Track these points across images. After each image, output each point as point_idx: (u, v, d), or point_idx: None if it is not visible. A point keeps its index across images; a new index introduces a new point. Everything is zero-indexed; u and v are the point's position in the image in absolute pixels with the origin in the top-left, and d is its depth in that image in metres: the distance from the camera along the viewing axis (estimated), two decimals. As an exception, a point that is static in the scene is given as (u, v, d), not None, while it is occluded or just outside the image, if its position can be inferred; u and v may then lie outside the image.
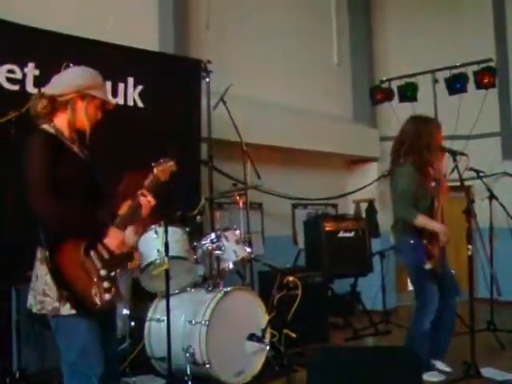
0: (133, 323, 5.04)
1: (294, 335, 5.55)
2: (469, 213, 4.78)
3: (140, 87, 6.28)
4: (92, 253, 3.02)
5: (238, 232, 5.50)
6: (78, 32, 5.80)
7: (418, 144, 4.97)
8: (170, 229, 4.68)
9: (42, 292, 2.98)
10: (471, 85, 8.24)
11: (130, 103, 6.23)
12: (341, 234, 7.57)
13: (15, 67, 5.34)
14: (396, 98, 8.78)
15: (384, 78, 8.94)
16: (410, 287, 5.14)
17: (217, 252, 5.16)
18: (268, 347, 5.20)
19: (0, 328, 4.77)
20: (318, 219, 7.74)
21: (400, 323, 7.18)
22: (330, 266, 7.30)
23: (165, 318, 4.65)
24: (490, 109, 8.81)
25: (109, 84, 6.03)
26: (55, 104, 3.13)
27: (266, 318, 5.22)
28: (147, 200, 3.27)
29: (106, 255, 3.05)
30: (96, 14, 6.30)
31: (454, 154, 5.02)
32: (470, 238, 4.83)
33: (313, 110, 8.76)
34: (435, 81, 8.18)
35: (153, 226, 4.94)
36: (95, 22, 6.21)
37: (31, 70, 5.42)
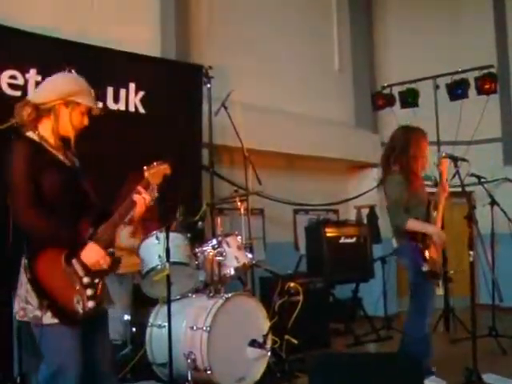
0: (134, 329, 5.03)
1: (295, 341, 5.54)
2: (470, 219, 4.78)
3: (141, 93, 6.29)
4: (74, 261, 3.00)
5: (239, 238, 5.49)
6: (80, 38, 5.82)
7: (404, 153, 5.02)
8: (171, 234, 4.68)
9: (24, 299, 2.99)
10: (472, 91, 8.25)
11: (132, 109, 6.24)
12: (342, 240, 7.57)
13: (17, 73, 5.35)
14: (397, 103, 8.80)
15: (385, 84, 8.96)
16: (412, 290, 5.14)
17: (218, 258, 5.15)
18: (269, 353, 5.18)
19: (1, 334, 4.77)
20: (319, 225, 7.73)
21: (402, 329, 7.14)
22: (332, 272, 7.29)
23: (166, 323, 4.64)
24: (491, 115, 8.82)
25: (110, 90, 6.06)
26: (39, 111, 3.12)
27: (268, 324, 5.21)
28: (142, 197, 3.24)
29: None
30: (98, 21, 6.31)
31: (455, 159, 5.03)
32: (472, 243, 4.82)
33: (314, 116, 8.77)
34: (436, 87, 8.20)
35: (154, 232, 4.93)
36: (97, 28, 6.22)
37: (33, 76, 5.43)
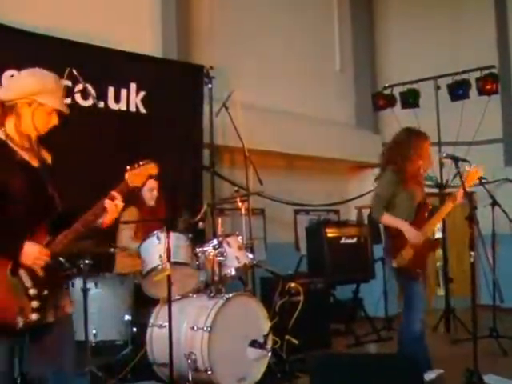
0: (135, 329, 5.03)
1: (295, 342, 5.54)
2: (471, 219, 4.78)
3: (143, 93, 6.30)
4: (22, 271, 2.87)
5: (240, 238, 5.49)
6: (81, 38, 5.82)
7: (400, 154, 5.06)
8: (172, 234, 4.68)
9: None
10: (473, 91, 8.25)
11: (133, 109, 6.25)
12: (343, 241, 7.56)
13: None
14: (398, 104, 8.80)
15: (386, 85, 8.96)
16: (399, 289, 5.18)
17: (219, 258, 5.15)
18: (270, 354, 5.18)
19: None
20: (320, 225, 7.72)
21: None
22: (332, 272, 7.28)
23: (167, 323, 4.64)
24: (492, 115, 8.81)
25: (111, 90, 6.07)
26: (5, 108, 3.03)
27: (268, 324, 5.21)
28: (114, 204, 3.05)
29: (39, 273, 2.90)
30: (99, 21, 6.32)
31: (456, 160, 5.03)
32: (473, 244, 4.82)
33: (315, 116, 8.77)
34: (437, 87, 8.19)
35: (155, 232, 4.93)
36: (98, 28, 6.22)
37: (34, 76, 5.42)
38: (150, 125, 6.31)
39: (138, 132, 6.18)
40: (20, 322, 2.84)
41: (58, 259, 3.02)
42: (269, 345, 5.15)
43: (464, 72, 8.23)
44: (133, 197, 5.53)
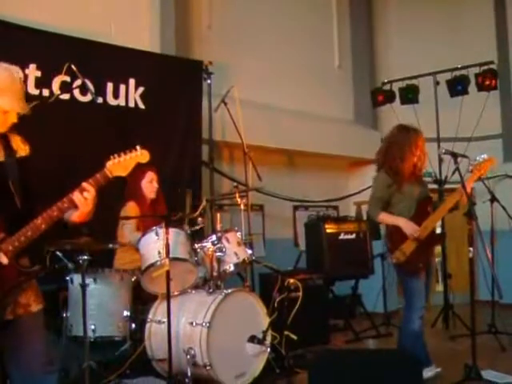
0: (133, 325, 5.02)
1: (294, 337, 5.54)
2: (470, 215, 4.78)
3: (141, 89, 6.29)
4: None
5: (238, 234, 5.49)
6: (79, 33, 5.81)
7: (393, 152, 5.08)
8: (170, 230, 4.68)
9: None
10: (473, 87, 8.26)
11: (132, 105, 6.24)
12: (342, 236, 7.56)
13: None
14: (397, 99, 8.80)
15: (385, 80, 8.95)
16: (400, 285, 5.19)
17: (218, 254, 5.15)
18: (269, 349, 5.19)
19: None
20: (319, 221, 7.72)
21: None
22: (331, 268, 7.29)
23: (165, 319, 4.65)
24: (491, 111, 8.81)
25: (110, 85, 6.06)
26: None
27: (267, 320, 5.21)
28: (83, 197, 2.95)
29: None
30: (98, 16, 6.31)
31: (455, 156, 5.02)
32: (472, 240, 4.83)
33: (314, 112, 8.77)
34: (437, 83, 8.19)
35: (153, 228, 4.93)
36: (97, 24, 6.21)
37: (33, 71, 5.43)
38: (149, 120, 6.30)
39: (137, 128, 6.18)
40: None
41: (16, 255, 2.92)
42: (268, 340, 5.16)
43: (463, 68, 8.24)
44: (133, 191, 5.53)
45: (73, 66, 4.94)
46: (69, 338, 4.88)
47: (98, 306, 4.84)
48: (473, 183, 5.11)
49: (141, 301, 5.27)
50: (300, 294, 5.74)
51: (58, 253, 4.69)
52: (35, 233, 2.91)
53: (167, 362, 4.59)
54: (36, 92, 5.44)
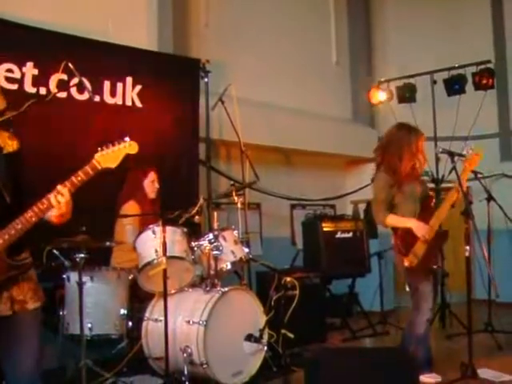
0: (130, 323, 5.02)
1: (291, 336, 5.54)
2: (467, 214, 4.79)
3: (138, 87, 6.28)
4: None
5: (235, 232, 5.49)
6: (76, 31, 5.80)
7: (391, 151, 5.06)
8: (167, 229, 4.68)
9: None
10: (470, 86, 8.27)
11: (129, 103, 6.23)
12: (339, 235, 7.56)
13: (14, 66, 5.34)
14: (395, 98, 8.80)
15: (383, 79, 8.95)
16: (408, 288, 5.15)
17: (215, 252, 5.15)
18: (266, 348, 5.19)
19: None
20: (316, 220, 7.73)
21: (398, 324, 7.18)
22: (328, 267, 7.29)
23: (162, 317, 4.65)
24: (488, 110, 8.82)
25: (107, 83, 6.05)
26: None
27: (264, 318, 5.22)
28: (56, 200, 2.96)
29: None
30: (95, 14, 6.29)
31: (452, 155, 5.03)
32: (468, 239, 4.83)
33: (311, 110, 8.77)
34: (434, 82, 8.20)
35: (150, 226, 4.93)
36: (94, 22, 6.20)
37: (30, 70, 5.42)
38: (146, 119, 6.29)
39: (134, 126, 6.16)
40: None
41: (9, 249, 2.93)
42: (264, 339, 5.17)
43: (460, 67, 8.24)
44: (134, 191, 5.53)
45: (70, 65, 4.91)
46: (65, 337, 4.88)
47: (95, 304, 4.83)
48: (466, 177, 5.07)
49: (138, 299, 5.27)
50: (297, 292, 5.73)
51: (54, 251, 4.69)
52: (25, 226, 2.91)
53: (164, 361, 4.59)
54: (33, 90, 5.43)
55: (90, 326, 4.73)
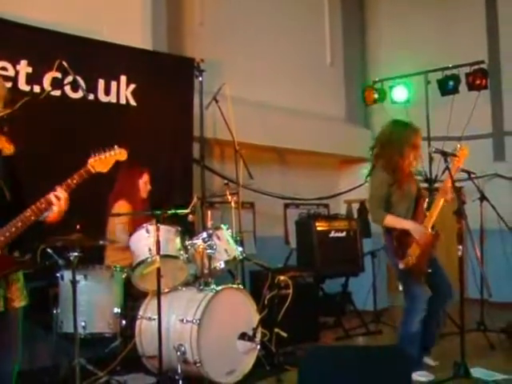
0: (124, 321, 5.02)
1: (285, 334, 5.56)
2: (460, 214, 4.80)
3: (133, 85, 6.28)
4: None
5: (229, 231, 5.50)
6: (70, 30, 5.79)
7: (391, 148, 5.06)
8: (161, 227, 4.68)
9: None
10: (463, 86, 8.28)
11: (123, 101, 6.23)
12: (332, 234, 7.57)
13: (8, 64, 5.33)
14: (388, 98, 8.81)
15: (377, 79, 8.97)
16: (401, 287, 5.17)
17: (208, 251, 5.16)
18: (259, 346, 5.20)
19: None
20: (309, 219, 7.73)
21: (391, 323, 7.21)
22: (322, 266, 7.30)
23: (156, 316, 4.66)
24: (481, 110, 8.83)
25: (101, 82, 6.04)
26: None
27: (257, 317, 5.23)
28: (57, 198, 3.19)
29: None
30: (90, 13, 6.28)
31: (445, 155, 5.04)
32: (461, 238, 4.85)
33: (305, 110, 8.77)
34: (427, 82, 8.21)
35: (144, 225, 4.93)
36: (89, 20, 6.19)
37: (24, 68, 5.41)
38: (140, 117, 6.29)
39: (128, 125, 6.16)
40: None
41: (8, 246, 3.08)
42: (258, 337, 5.18)
43: (454, 67, 8.25)
44: (127, 190, 5.53)
45: (64, 63, 4.92)
46: (59, 335, 4.88)
47: (89, 302, 4.83)
48: (455, 173, 5.08)
49: (131, 297, 5.28)
50: (290, 291, 5.76)
51: (48, 249, 4.69)
52: (25, 224, 3.08)
53: (157, 359, 4.60)
54: (27, 88, 5.42)
55: (83, 324, 4.73)
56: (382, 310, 7.94)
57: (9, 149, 3.29)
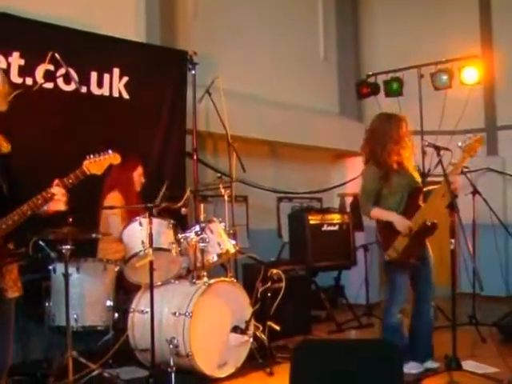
0: (116, 315, 5.02)
1: (277, 327, 5.57)
2: (452, 208, 4.81)
3: (125, 78, 6.26)
4: None
5: (222, 224, 5.50)
6: (63, 22, 5.77)
7: (374, 142, 5.11)
8: (154, 220, 4.68)
9: None
10: (456, 80, 8.28)
11: (116, 94, 6.20)
12: (325, 228, 7.58)
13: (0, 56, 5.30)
14: (382, 92, 8.81)
15: (370, 73, 8.97)
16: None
17: (201, 244, 5.16)
18: (251, 339, 5.22)
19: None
20: (302, 212, 7.74)
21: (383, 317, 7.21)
22: (314, 259, 7.31)
23: (148, 309, 4.66)
24: (474, 105, 8.85)
25: (94, 75, 6.02)
26: None
27: (250, 310, 5.24)
28: (57, 191, 3.35)
29: None
30: (82, 4, 6.25)
31: (437, 149, 5.04)
32: (453, 232, 4.86)
33: (299, 104, 8.77)
34: (421, 76, 8.22)
35: (137, 218, 4.93)
36: (81, 12, 6.16)
37: (16, 60, 5.38)
38: (133, 110, 6.28)
39: (121, 117, 6.15)
40: None
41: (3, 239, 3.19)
42: (250, 330, 5.19)
43: (447, 61, 8.26)
44: (121, 181, 5.51)
45: (56, 55, 4.90)
46: (51, 328, 4.88)
47: (81, 295, 4.83)
48: (465, 163, 5.06)
49: (124, 290, 5.28)
50: (283, 284, 5.77)
51: (40, 242, 4.68)
52: (21, 217, 3.20)
53: (150, 352, 4.60)
54: (19, 80, 5.39)
55: (75, 317, 4.73)
56: (374, 303, 7.94)
57: (6, 147, 3.37)
